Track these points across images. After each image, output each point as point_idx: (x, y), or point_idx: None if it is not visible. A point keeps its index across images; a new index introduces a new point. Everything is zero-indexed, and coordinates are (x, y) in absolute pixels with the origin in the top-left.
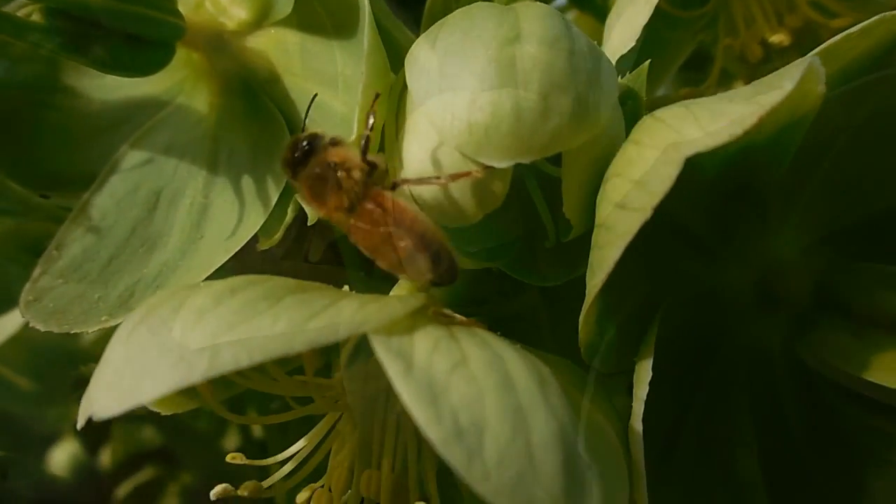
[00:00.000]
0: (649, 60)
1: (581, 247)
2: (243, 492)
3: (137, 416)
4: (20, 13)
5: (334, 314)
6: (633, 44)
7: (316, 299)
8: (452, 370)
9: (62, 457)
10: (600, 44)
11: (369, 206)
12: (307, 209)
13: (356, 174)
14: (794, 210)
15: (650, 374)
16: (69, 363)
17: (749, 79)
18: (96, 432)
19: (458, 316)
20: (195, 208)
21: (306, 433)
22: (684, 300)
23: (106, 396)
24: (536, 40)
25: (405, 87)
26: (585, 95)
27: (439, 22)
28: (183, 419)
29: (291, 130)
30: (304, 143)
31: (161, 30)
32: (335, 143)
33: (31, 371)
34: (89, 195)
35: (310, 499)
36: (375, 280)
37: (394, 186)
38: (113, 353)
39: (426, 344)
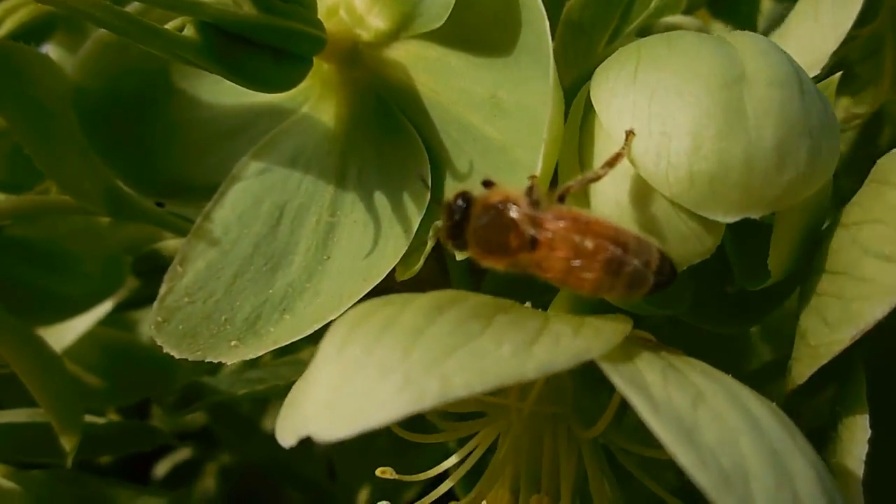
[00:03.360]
0: (839, 73)
1: (762, 293)
2: None
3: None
4: (168, 25)
5: (554, 339)
6: (818, 71)
7: (525, 320)
8: (694, 406)
9: None
10: None
11: (553, 227)
12: (487, 265)
13: (524, 204)
14: None
15: (868, 431)
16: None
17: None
18: (136, 411)
19: (656, 340)
20: (321, 227)
21: None
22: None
23: (325, 417)
24: (765, 80)
25: (587, 112)
26: (819, 142)
27: (629, 50)
28: (227, 402)
29: (428, 152)
30: (458, 201)
31: (304, 43)
32: (488, 184)
33: (100, 370)
34: (210, 207)
35: None
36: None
37: (561, 199)
38: (324, 372)
39: (655, 375)
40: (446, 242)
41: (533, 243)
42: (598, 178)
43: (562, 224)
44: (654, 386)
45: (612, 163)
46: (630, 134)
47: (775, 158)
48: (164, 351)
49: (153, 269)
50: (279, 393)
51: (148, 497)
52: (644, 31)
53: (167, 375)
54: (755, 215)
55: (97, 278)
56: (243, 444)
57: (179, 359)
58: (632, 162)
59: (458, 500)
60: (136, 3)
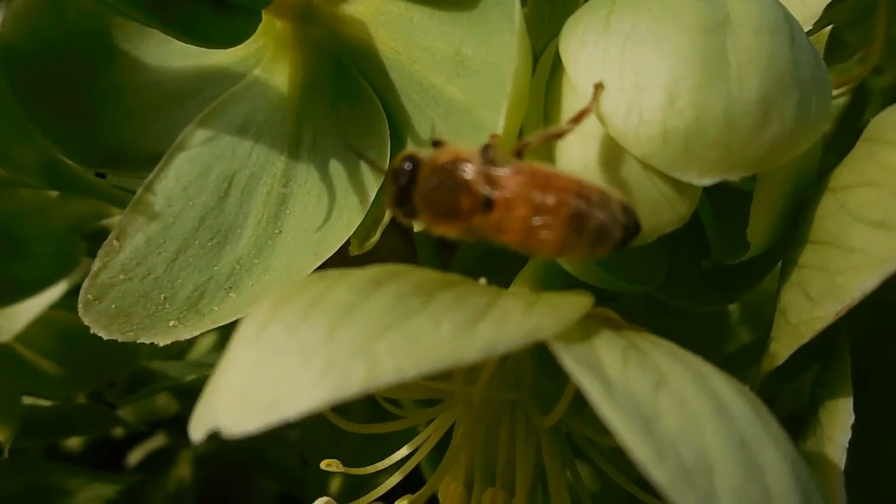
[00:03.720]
0: (830, 26)
1: (741, 267)
2: None
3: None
4: None
5: (501, 317)
6: (810, 27)
7: (471, 296)
8: (656, 391)
9: None
10: None
11: (509, 184)
12: (439, 232)
13: (477, 163)
14: None
15: (852, 416)
16: (93, 345)
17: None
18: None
19: (619, 318)
20: (273, 198)
21: None
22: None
23: (237, 408)
24: (752, 26)
25: (555, 67)
26: (808, 97)
27: None
28: (199, 388)
29: (389, 117)
30: (404, 164)
31: None
32: (437, 144)
33: (55, 355)
34: (153, 177)
35: None
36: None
37: (517, 153)
38: (240, 355)
39: (614, 356)
40: (394, 210)
41: (487, 204)
42: (561, 134)
43: (519, 180)
44: (610, 368)
45: (577, 119)
46: (599, 87)
47: (759, 114)
48: (91, 332)
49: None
50: None
51: (100, 484)
52: None
53: (129, 360)
54: (734, 178)
55: (49, 259)
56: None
57: (140, 343)
58: (600, 119)
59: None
60: None
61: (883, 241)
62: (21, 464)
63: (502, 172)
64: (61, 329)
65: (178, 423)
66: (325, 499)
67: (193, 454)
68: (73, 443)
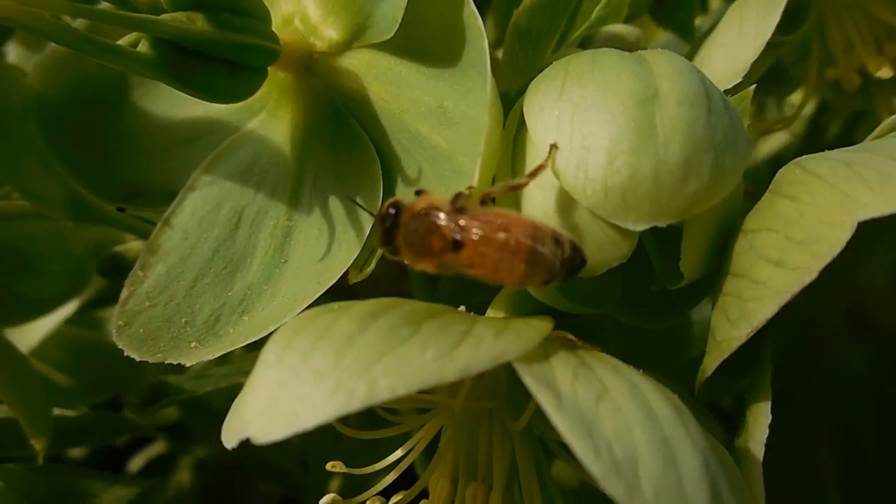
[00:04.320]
0: (754, 86)
1: (682, 291)
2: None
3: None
4: (122, 41)
5: (475, 342)
6: (739, 79)
7: (452, 325)
8: (598, 401)
9: None
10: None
11: (474, 228)
12: (419, 268)
13: (445, 208)
14: (883, 238)
15: (769, 416)
16: (102, 358)
17: (842, 107)
18: (110, 406)
19: (576, 339)
20: (279, 231)
21: None
22: (783, 325)
23: (263, 421)
24: (676, 99)
25: (521, 124)
26: (723, 157)
27: (560, 65)
28: (200, 396)
29: (381, 160)
30: (388, 210)
31: (259, 56)
32: (419, 193)
33: (67, 368)
34: (170, 212)
35: None
36: (441, 297)
37: (482, 202)
38: (264, 377)
39: (566, 373)
40: (381, 248)
41: (456, 245)
42: (520, 185)
43: (483, 225)
44: (562, 383)
45: (534, 173)
46: (553, 147)
47: (681, 172)
48: (125, 354)
49: (118, 269)
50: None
51: (121, 487)
52: (586, 42)
53: (136, 372)
54: (663, 224)
55: (63, 278)
56: (217, 437)
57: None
58: (555, 174)
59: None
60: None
61: (780, 276)
62: (47, 470)
63: (468, 219)
64: (72, 344)
65: (178, 430)
66: (331, 496)
67: (193, 460)
68: (76, 450)
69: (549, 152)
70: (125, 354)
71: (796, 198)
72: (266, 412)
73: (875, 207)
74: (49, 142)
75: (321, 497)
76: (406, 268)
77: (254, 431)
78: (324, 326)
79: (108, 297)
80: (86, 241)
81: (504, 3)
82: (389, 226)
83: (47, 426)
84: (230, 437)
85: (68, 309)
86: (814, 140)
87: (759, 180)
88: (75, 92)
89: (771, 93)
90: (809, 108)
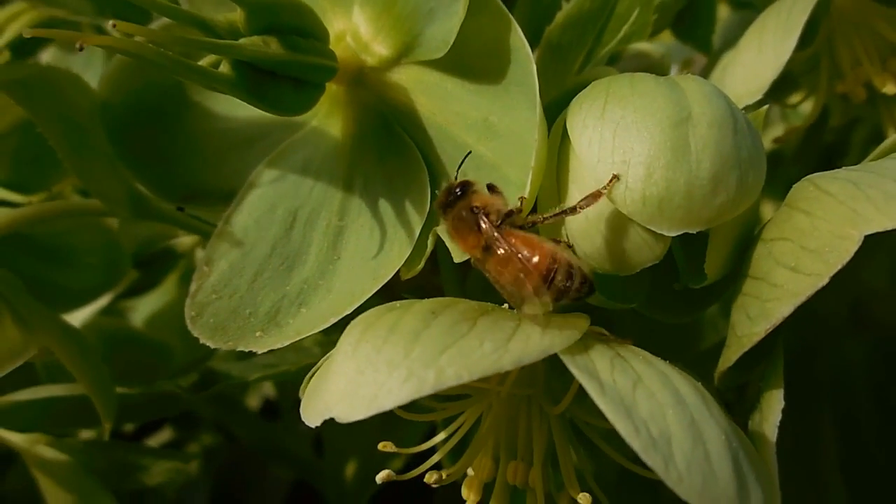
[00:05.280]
0: (767, 106)
1: (702, 290)
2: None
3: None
4: (203, 62)
5: (525, 338)
6: (759, 97)
7: (503, 321)
8: (634, 388)
9: None
10: None
11: (503, 247)
12: (449, 245)
13: (493, 217)
14: (882, 243)
15: (782, 402)
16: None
17: (844, 113)
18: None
19: (609, 334)
20: (331, 230)
21: None
22: (792, 322)
23: (345, 403)
24: (706, 122)
25: (564, 137)
26: (747, 173)
27: (600, 86)
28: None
29: (428, 167)
30: (457, 189)
31: (320, 73)
32: (490, 188)
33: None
34: (230, 212)
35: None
36: (470, 294)
37: (532, 225)
38: (342, 366)
39: (605, 363)
40: (437, 210)
41: (486, 249)
42: (575, 210)
43: (510, 245)
44: (602, 372)
45: (589, 200)
46: (615, 178)
47: (710, 186)
48: (201, 342)
49: (150, 261)
50: (290, 376)
51: (166, 461)
52: (614, 59)
53: (167, 359)
54: (693, 231)
55: (99, 270)
56: (228, 423)
57: (173, 347)
58: (601, 186)
59: (441, 470)
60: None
61: (795, 280)
62: (102, 445)
63: (504, 235)
64: (105, 333)
65: (186, 418)
66: (385, 472)
67: (202, 447)
68: (86, 435)
69: (609, 182)
70: (157, 339)
71: (810, 212)
72: (347, 396)
73: (879, 223)
74: (114, 146)
75: (336, 482)
76: (437, 265)
77: (338, 412)
78: (391, 323)
79: (138, 288)
80: (136, 236)
81: (527, 10)
82: (452, 199)
83: (114, 403)
84: (314, 417)
85: (103, 300)
86: (812, 140)
87: None
88: (138, 99)
89: (777, 100)
90: (811, 108)
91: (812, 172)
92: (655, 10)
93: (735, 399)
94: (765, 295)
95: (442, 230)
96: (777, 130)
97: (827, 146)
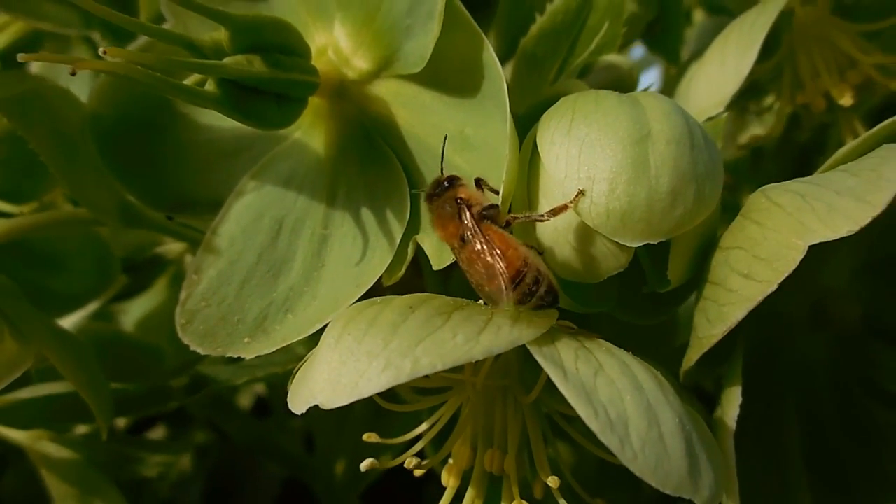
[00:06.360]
0: (727, 114)
1: (668, 293)
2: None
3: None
4: (189, 80)
5: (496, 330)
6: (721, 109)
7: (475, 315)
8: (595, 375)
9: None
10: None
11: (479, 240)
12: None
13: (475, 210)
14: (843, 241)
15: (740, 398)
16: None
17: (809, 120)
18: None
19: (576, 327)
20: (315, 238)
21: None
22: (755, 321)
23: (328, 390)
24: (665, 139)
25: (534, 151)
26: (704, 186)
27: (567, 103)
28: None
29: (408, 177)
30: (445, 181)
31: (302, 88)
32: (478, 181)
33: None
34: (217, 222)
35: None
36: (452, 293)
37: (507, 224)
38: (326, 356)
39: (569, 353)
40: (423, 199)
41: (462, 240)
42: (541, 219)
43: (486, 241)
44: (567, 361)
45: (556, 211)
46: (580, 192)
47: (669, 200)
48: (191, 349)
49: (140, 266)
50: (279, 378)
51: (161, 455)
52: (585, 70)
53: (157, 362)
54: (654, 241)
55: (89, 276)
56: (218, 421)
57: (163, 350)
58: (568, 199)
59: (425, 459)
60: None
61: (748, 286)
62: (99, 439)
63: (482, 229)
64: (96, 337)
65: (178, 416)
66: (369, 460)
67: (195, 444)
68: (81, 430)
69: (575, 197)
70: (147, 343)
71: (761, 223)
72: (330, 384)
73: (822, 234)
74: (104, 157)
75: (326, 479)
76: (421, 269)
77: (321, 399)
78: (372, 316)
79: (128, 292)
80: (125, 241)
81: (503, 22)
82: (437, 191)
83: (109, 403)
84: (299, 404)
85: (94, 304)
86: (788, 137)
87: (738, 171)
88: (126, 111)
89: (749, 100)
90: (785, 109)
91: (790, 168)
92: (625, 23)
93: (715, 390)
94: (722, 299)
95: (422, 237)
96: (757, 129)
97: (804, 143)
